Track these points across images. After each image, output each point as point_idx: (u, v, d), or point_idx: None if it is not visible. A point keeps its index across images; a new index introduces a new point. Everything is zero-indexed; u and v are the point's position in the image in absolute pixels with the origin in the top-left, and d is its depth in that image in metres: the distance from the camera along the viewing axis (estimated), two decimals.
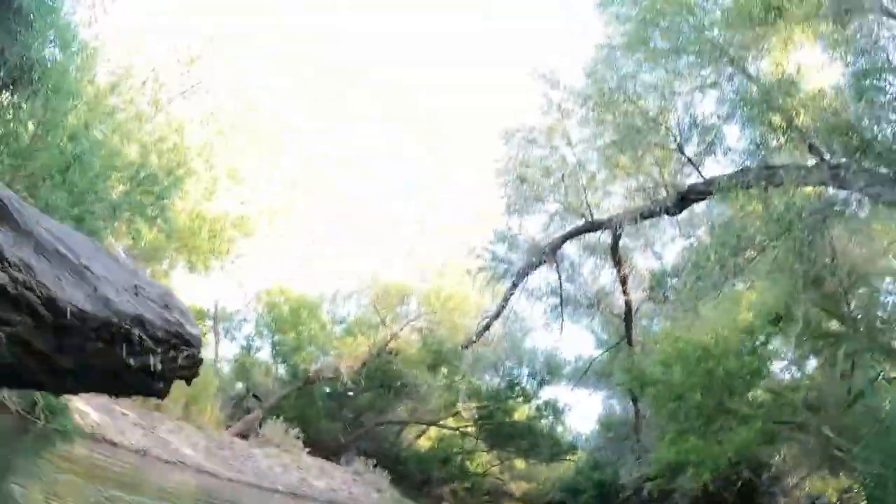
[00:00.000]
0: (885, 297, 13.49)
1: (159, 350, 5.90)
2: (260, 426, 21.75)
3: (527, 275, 15.56)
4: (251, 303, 25.82)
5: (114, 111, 17.65)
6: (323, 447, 23.69)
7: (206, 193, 20.10)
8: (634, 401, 18.82)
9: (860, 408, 11.75)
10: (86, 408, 14.53)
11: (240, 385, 25.77)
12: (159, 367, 5.89)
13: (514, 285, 15.48)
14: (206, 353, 23.80)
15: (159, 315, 5.82)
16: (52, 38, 11.72)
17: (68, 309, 4.35)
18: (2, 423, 9.72)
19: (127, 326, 5.53)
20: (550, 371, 26.16)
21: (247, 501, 13.55)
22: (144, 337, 5.62)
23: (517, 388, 26.93)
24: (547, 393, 27.20)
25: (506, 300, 15.78)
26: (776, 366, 15.18)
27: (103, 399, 16.09)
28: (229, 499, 12.95)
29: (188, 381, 6.95)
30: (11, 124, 12.19)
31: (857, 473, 11.26)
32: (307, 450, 21.51)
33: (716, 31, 11.95)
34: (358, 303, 26.04)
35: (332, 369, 23.23)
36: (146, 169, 16.84)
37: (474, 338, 16.78)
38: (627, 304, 17.60)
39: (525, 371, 26.71)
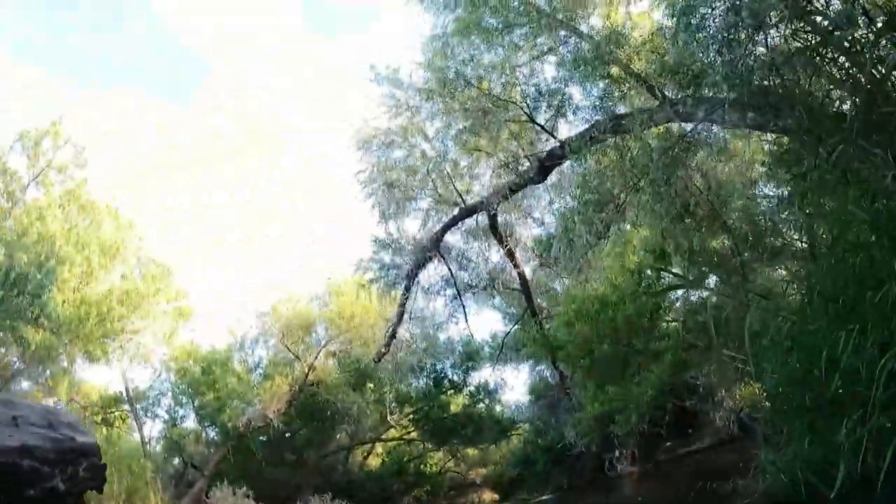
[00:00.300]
0: (760, 203, 13.91)
1: (56, 472, 5.57)
2: (206, 496, 21.04)
3: (416, 276, 15.49)
4: (161, 374, 24.86)
5: None
6: (275, 498, 23.15)
7: (84, 277, 19.19)
8: (555, 364, 19.01)
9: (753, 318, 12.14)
10: None
11: (176, 461, 24.81)
12: (62, 486, 5.56)
13: (407, 289, 15.40)
14: (133, 438, 23.09)
15: (46, 437, 5.50)
16: None
17: None
18: None
19: (15, 460, 5.19)
20: (471, 357, 26.29)
21: None
22: (37, 465, 5.28)
23: (445, 383, 27.07)
24: (475, 379, 27.47)
25: (402, 305, 15.69)
26: (679, 294, 15.39)
27: None
28: None
29: (99, 490, 6.58)
30: None
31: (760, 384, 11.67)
32: None
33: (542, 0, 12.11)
34: (266, 344, 25.48)
35: (260, 417, 22.63)
36: (16, 269, 15.97)
37: (383, 349, 16.61)
38: (521, 276, 17.71)
39: (448, 364, 26.79)
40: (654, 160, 10.53)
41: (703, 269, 13.87)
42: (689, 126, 11.16)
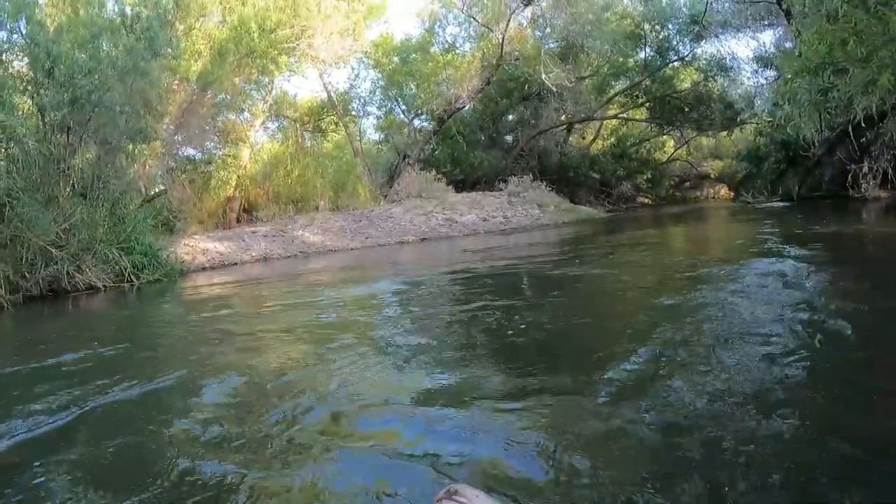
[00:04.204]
0: None
1: None
2: (397, 183, 19.80)
3: None
4: (359, 73, 22.74)
5: None
6: (481, 180, 21.43)
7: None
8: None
9: None
10: (208, 244, 13.62)
11: (388, 152, 23.51)
12: None
13: None
14: (344, 139, 21.81)
15: None
16: None
17: None
18: (102, 301, 8.37)
19: None
20: (700, 21, 20.72)
21: (353, 263, 11.46)
22: None
23: (669, 53, 22.02)
24: (707, 51, 22.03)
25: None
26: None
27: (230, 231, 15.55)
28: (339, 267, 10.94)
29: None
30: None
31: None
32: (450, 187, 19.36)
33: None
34: (456, 19, 22.08)
35: (460, 100, 20.14)
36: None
37: None
38: None
39: (672, 30, 21.49)
40: None
41: None
42: None
